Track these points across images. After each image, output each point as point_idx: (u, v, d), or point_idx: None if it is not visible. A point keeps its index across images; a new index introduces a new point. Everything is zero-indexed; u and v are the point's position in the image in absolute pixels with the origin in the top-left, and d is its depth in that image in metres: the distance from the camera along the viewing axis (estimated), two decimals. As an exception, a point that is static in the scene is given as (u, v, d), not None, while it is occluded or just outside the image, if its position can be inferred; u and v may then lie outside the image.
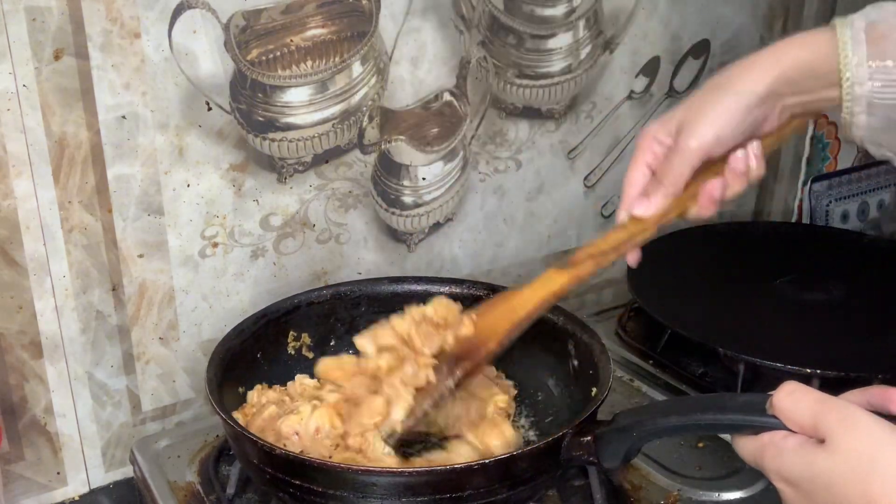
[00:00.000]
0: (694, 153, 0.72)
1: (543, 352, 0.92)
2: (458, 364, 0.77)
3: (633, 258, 0.78)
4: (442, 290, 0.96)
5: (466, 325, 0.80)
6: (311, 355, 0.94)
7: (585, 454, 0.73)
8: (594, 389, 0.82)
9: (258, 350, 0.90)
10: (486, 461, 0.72)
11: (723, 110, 0.72)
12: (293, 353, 0.94)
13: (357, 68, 0.95)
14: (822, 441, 0.55)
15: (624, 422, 0.72)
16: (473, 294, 0.96)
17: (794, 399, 0.57)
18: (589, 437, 0.73)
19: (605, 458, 0.72)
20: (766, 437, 0.59)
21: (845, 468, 0.53)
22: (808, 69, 0.70)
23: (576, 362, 0.88)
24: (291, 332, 0.94)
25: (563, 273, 0.77)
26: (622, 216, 0.77)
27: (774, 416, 0.58)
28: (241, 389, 0.88)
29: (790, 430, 0.57)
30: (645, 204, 0.75)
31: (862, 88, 0.67)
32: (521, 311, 0.78)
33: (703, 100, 0.73)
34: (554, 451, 0.73)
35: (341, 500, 0.72)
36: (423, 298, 0.95)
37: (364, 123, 0.98)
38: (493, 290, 0.95)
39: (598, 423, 0.75)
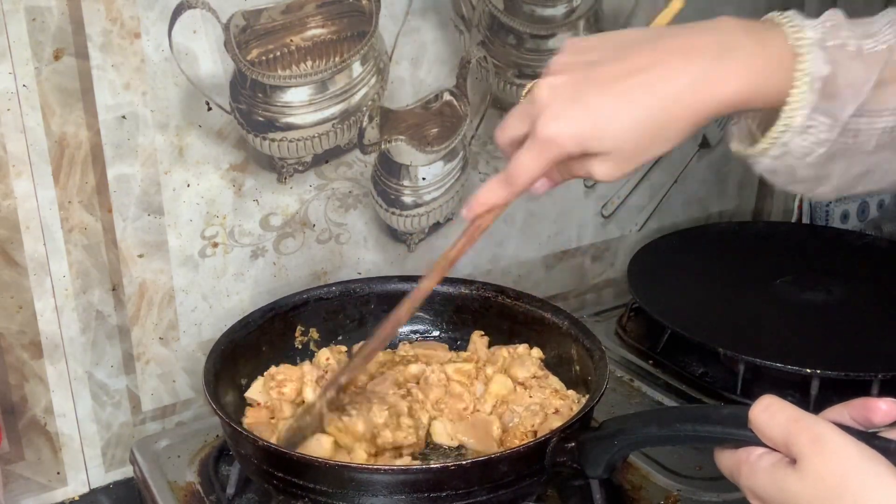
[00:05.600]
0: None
1: (548, 357, 0.92)
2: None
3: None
4: (451, 290, 0.97)
5: None
6: (318, 350, 0.95)
7: (570, 461, 0.73)
8: (587, 396, 0.82)
9: (264, 343, 0.91)
10: (463, 462, 0.72)
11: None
12: (300, 347, 0.95)
13: (357, 68, 0.95)
14: (794, 461, 0.54)
15: (607, 430, 0.71)
16: (482, 295, 0.96)
17: (769, 415, 0.56)
18: (573, 444, 0.72)
19: (589, 465, 0.72)
20: (742, 453, 0.58)
21: (814, 493, 0.53)
22: (745, 102, 0.61)
23: (577, 367, 0.88)
24: (299, 327, 0.94)
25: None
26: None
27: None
28: (243, 381, 0.88)
29: (767, 447, 0.57)
30: None
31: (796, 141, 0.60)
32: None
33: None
34: (538, 455, 0.73)
35: (321, 495, 0.72)
36: (432, 297, 0.97)
37: (364, 123, 0.98)
38: (502, 291, 0.96)
39: (583, 430, 0.74)
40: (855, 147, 0.61)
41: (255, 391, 0.87)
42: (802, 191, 0.66)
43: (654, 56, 0.61)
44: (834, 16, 0.60)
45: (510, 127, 0.67)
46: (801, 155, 0.61)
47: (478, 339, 0.95)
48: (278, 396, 0.86)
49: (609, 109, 0.60)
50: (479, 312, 0.97)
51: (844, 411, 0.57)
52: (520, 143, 0.65)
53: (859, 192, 0.67)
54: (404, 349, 0.94)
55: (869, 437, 0.55)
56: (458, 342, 0.97)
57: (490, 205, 0.70)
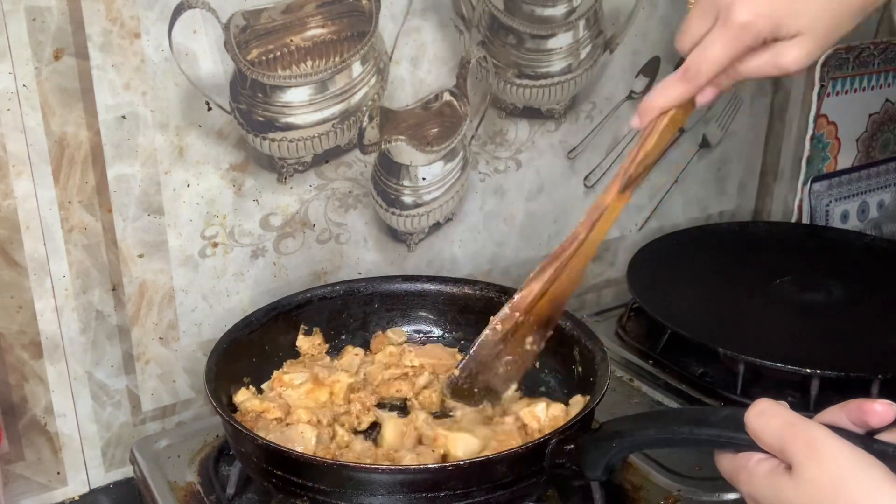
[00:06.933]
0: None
1: (550, 357, 0.92)
2: (544, 327, 0.80)
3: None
4: (454, 290, 0.97)
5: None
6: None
7: (569, 462, 0.73)
8: (588, 397, 0.82)
9: (266, 343, 0.91)
10: (462, 462, 0.72)
11: None
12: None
13: (357, 68, 0.95)
14: (790, 467, 0.54)
15: (605, 432, 0.71)
16: (486, 296, 0.96)
17: (763, 420, 0.56)
18: (571, 446, 0.72)
19: (588, 467, 0.72)
20: (741, 459, 0.58)
21: (809, 499, 0.52)
22: None
23: (580, 368, 0.88)
24: (302, 326, 0.94)
25: (623, 198, 0.74)
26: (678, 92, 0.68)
27: None
28: (246, 380, 0.88)
29: (764, 452, 0.57)
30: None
31: None
32: (593, 249, 0.77)
33: None
34: (536, 456, 0.73)
35: (320, 494, 0.73)
36: (435, 297, 0.97)
37: (364, 123, 0.98)
38: (505, 291, 0.96)
39: (581, 431, 0.74)
40: None
41: (242, 397, 0.87)
42: None
43: None
44: None
45: (693, 27, 0.65)
46: None
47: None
48: (279, 397, 0.86)
49: None
50: (483, 313, 0.96)
51: (841, 413, 0.57)
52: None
53: None
54: (409, 357, 0.93)
55: (866, 440, 0.54)
56: (462, 342, 0.97)
57: (667, 104, 0.67)
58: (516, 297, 0.82)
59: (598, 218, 0.75)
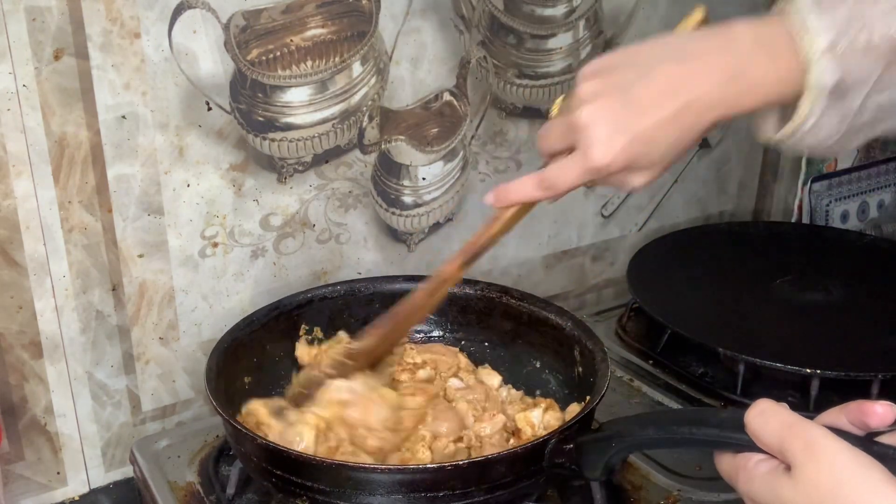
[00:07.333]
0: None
1: (551, 357, 0.92)
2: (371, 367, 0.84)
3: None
4: (455, 290, 0.97)
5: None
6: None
7: (568, 462, 0.73)
8: (588, 397, 0.81)
9: (267, 342, 0.91)
10: (460, 462, 0.72)
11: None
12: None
13: (357, 68, 0.95)
14: (789, 467, 0.54)
15: (604, 432, 0.71)
16: (486, 295, 0.96)
17: (763, 420, 0.56)
18: (571, 446, 0.72)
19: (587, 467, 0.72)
20: (741, 459, 0.58)
21: (807, 500, 0.52)
22: (761, 108, 0.68)
23: (580, 369, 0.88)
24: (304, 326, 0.94)
25: (462, 272, 0.80)
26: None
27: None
28: (246, 379, 0.88)
29: (765, 452, 0.57)
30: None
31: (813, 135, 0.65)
32: (427, 313, 0.85)
33: None
34: (536, 456, 0.73)
35: (319, 493, 0.73)
36: None
37: (364, 123, 0.98)
38: (506, 291, 0.96)
39: (581, 431, 0.74)
40: (870, 121, 0.65)
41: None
42: (829, 156, 0.72)
43: (678, 77, 0.65)
44: None
45: (553, 140, 0.70)
46: (816, 144, 0.66)
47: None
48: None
49: (652, 132, 0.66)
50: (484, 313, 0.97)
51: (841, 415, 0.57)
52: (559, 154, 0.70)
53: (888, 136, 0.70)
54: (410, 355, 0.93)
55: (866, 442, 0.54)
56: (462, 342, 0.98)
57: (519, 201, 0.73)
58: (354, 345, 0.86)
59: (439, 288, 0.82)
